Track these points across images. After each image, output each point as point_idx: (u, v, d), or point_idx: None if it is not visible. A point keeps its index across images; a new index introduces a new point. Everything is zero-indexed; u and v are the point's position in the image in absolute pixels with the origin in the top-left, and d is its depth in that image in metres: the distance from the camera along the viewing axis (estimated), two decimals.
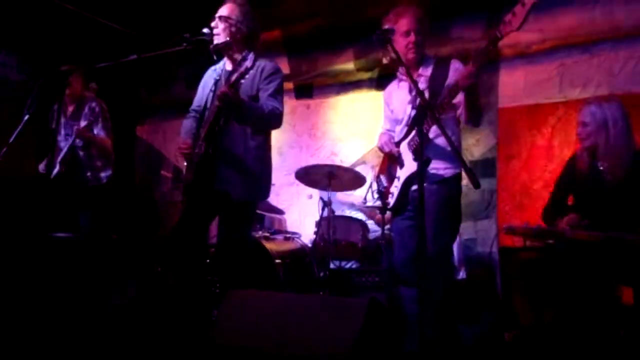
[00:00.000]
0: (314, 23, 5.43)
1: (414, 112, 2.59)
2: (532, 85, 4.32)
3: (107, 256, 3.83)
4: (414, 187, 2.56)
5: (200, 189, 2.74)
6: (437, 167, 2.54)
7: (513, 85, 4.40)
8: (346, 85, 5.33)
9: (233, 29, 2.79)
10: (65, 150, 3.94)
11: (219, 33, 2.78)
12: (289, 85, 5.51)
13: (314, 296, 3.16)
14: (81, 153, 4.02)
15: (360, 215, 4.27)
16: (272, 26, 5.50)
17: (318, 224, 4.03)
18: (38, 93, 2.96)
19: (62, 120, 4.13)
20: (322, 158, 5.33)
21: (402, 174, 2.63)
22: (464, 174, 2.25)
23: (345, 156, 5.22)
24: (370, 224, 4.26)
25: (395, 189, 2.67)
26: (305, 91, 5.58)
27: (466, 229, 4.41)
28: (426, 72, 2.65)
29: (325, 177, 3.91)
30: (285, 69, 5.51)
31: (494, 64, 4.44)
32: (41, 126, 4.56)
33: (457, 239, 3.99)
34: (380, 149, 2.77)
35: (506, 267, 3.54)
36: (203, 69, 3.08)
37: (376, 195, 2.92)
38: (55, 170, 3.94)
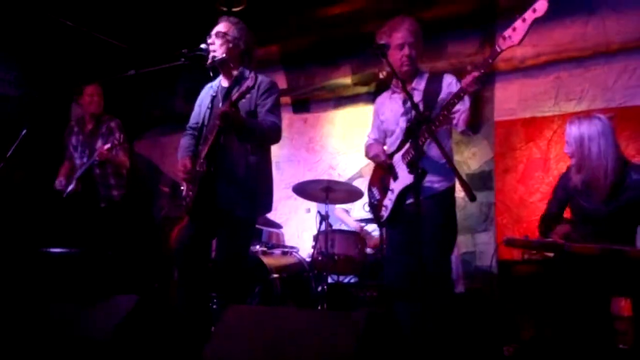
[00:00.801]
0: (310, 38, 5.48)
1: (407, 125, 2.59)
2: (527, 99, 4.36)
3: (102, 272, 3.81)
4: (409, 201, 2.55)
5: (202, 208, 2.74)
6: (432, 180, 2.53)
7: (509, 99, 4.44)
8: (343, 99, 5.37)
9: (230, 44, 2.81)
10: (83, 168, 3.98)
11: (216, 49, 2.80)
12: (286, 99, 5.54)
13: (311, 311, 3.15)
14: (97, 170, 4.05)
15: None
16: (270, 41, 5.56)
17: (316, 238, 4.02)
18: (36, 109, 2.97)
19: (80, 137, 4.18)
20: (319, 172, 5.35)
21: (396, 186, 2.61)
22: (458, 186, 2.25)
23: (342, 170, 5.23)
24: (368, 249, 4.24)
25: (389, 201, 2.65)
26: (302, 105, 5.61)
27: (464, 242, 4.41)
28: (419, 85, 2.66)
29: (323, 191, 3.91)
30: (283, 83, 5.55)
31: (490, 77, 4.48)
32: (42, 141, 4.59)
33: (456, 252, 3.99)
34: (374, 158, 2.75)
35: (505, 281, 3.53)
36: (201, 84, 3.10)
37: (367, 208, 2.90)
38: (71, 187, 3.97)
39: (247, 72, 2.60)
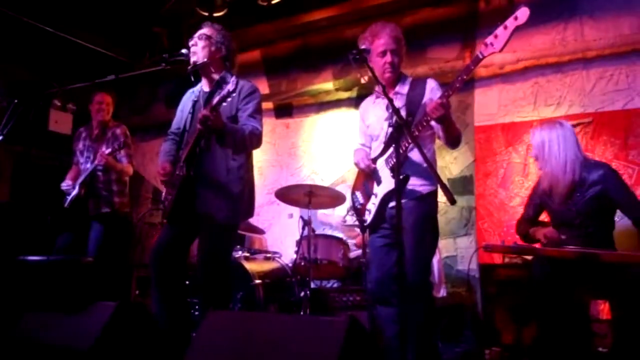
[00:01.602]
0: (292, 44, 5.50)
1: (390, 130, 2.60)
2: (507, 104, 4.42)
3: (81, 279, 3.76)
4: (392, 204, 2.56)
5: (181, 211, 2.72)
6: (414, 183, 2.55)
7: (489, 104, 4.50)
8: (325, 104, 5.38)
9: (213, 48, 2.81)
10: (86, 173, 4.00)
11: (198, 52, 2.79)
12: (268, 104, 5.54)
13: (293, 316, 3.14)
14: (100, 175, 4.07)
15: (340, 235, 4.26)
16: (252, 47, 5.56)
17: (299, 243, 4.01)
18: (13, 115, 2.93)
19: (87, 143, 4.22)
20: (302, 177, 5.35)
21: (380, 190, 2.62)
22: (441, 191, 2.27)
23: (325, 175, 5.24)
24: (351, 243, 4.25)
25: (372, 205, 2.65)
26: (285, 111, 5.62)
27: (446, 246, 4.44)
28: (403, 90, 2.67)
29: (306, 196, 3.91)
30: (265, 89, 5.55)
31: (470, 83, 4.53)
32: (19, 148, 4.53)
33: (437, 256, 4.02)
34: (357, 164, 2.76)
35: (486, 284, 3.56)
36: (182, 90, 3.08)
37: (351, 212, 2.91)
38: (74, 192, 4.01)
39: (228, 77, 2.58)
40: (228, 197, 2.67)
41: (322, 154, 5.33)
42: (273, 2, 4.63)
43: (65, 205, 4.06)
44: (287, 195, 4.09)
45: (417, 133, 2.42)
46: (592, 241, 2.64)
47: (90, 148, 4.16)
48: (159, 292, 2.72)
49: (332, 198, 4.08)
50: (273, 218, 5.42)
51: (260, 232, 4.91)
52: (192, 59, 2.79)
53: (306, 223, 3.92)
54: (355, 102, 5.13)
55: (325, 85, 5.25)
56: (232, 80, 2.45)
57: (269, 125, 5.53)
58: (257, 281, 3.79)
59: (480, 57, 2.29)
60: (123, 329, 2.34)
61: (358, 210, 2.80)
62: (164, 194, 2.84)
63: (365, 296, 3.73)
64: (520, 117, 4.34)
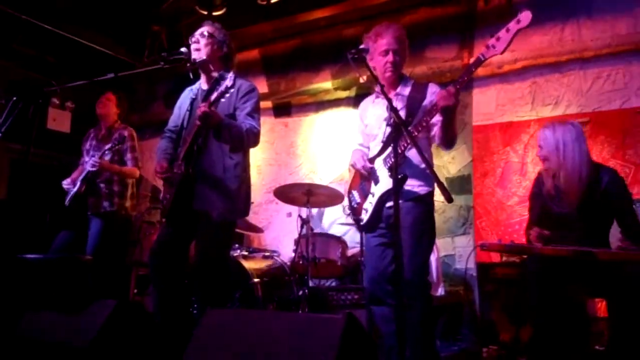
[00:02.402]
0: (291, 43, 5.50)
1: (389, 130, 2.61)
2: (505, 104, 4.43)
3: (79, 278, 3.77)
4: (389, 204, 2.56)
5: (180, 210, 2.72)
6: (412, 184, 2.55)
7: (486, 104, 4.51)
8: (324, 103, 5.39)
9: (215, 46, 2.82)
10: (85, 172, 4.00)
11: (200, 48, 2.80)
12: (267, 104, 5.55)
13: (291, 314, 3.14)
14: (103, 174, 4.07)
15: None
16: (250, 46, 5.56)
17: (297, 242, 4.02)
18: (11, 112, 2.93)
19: (93, 142, 4.24)
20: (301, 176, 5.36)
21: (377, 190, 2.62)
22: (438, 190, 2.29)
23: (324, 174, 5.25)
24: (350, 242, 4.26)
25: (369, 205, 2.65)
26: (283, 110, 5.62)
27: (444, 245, 4.46)
28: (404, 91, 2.68)
29: (304, 195, 3.92)
30: (264, 88, 5.55)
31: (468, 83, 4.52)
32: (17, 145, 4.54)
33: (436, 255, 4.03)
34: (353, 166, 2.76)
35: (484, 283, 3.57)
36: (181, 88, 3.09)
37: (348, 211, 2.91)
38: (75, 189, 4.01)
39: (226, 75, 2.59)
40: (224, 195, 2.68)
41: (320, 153, 5.34)
42: (272, 1, 4.64)
43: (66, 203, 4.06)
44: (285, 194, 4.10)
45: (415, 134, 2.44)
46: (591, 242, 2.65)
47: (96, 148, 4.16)
48: (158, 290, 2.72)
49: (331, 197, 4.09)
50: (271, 217, 5.43)
51: (259, 230, 4.92)
52: (193, 55, 2.79)
53: (305, 222, 3.93)
54: (354, 101, 5.14)
55: (324, 84, 5.26)
56: (230, 76, 2.46)
57: (268, 124, 5.54)
58: (256, 280, 3.80)
59: (482, 59, 2.32)
60: (121, 327, 2.35)
61: (354, 209, 2.80)
62: (162, 192, 2.84)
63: (363, 294, 3.74)
64: (518, 117, 4.36)
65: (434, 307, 2.59)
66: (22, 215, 4.91)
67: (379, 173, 2.64)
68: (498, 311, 3.37)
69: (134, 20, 5.40)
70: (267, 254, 4.32)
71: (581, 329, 2.82)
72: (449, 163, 4.60)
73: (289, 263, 4.14)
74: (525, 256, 3.31)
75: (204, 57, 2.79)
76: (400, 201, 2.36)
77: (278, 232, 5.32)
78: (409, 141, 2.39)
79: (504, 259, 3.64)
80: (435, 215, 2.69)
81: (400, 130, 2.27)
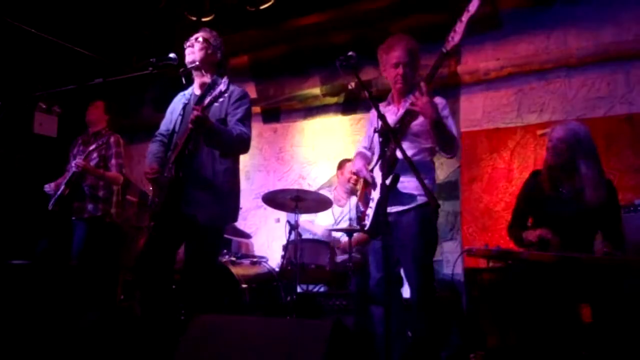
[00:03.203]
0: (280, 49, 5.52)
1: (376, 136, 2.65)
2: (491, 111, 4.48)
3: (65, 284, 3.73)
4: (389, 210, 2.60)
5: (169, 215, 2.71)
6: (413, 192, 2.62)
7: (473, 111, 4.56)
8: (313, 109, 5.41)
9: (209, 51, 2.83)
10: (69, 174, 4.00)
11: (195, 52, 2.81)
12: (256, 109, 5.55)
13: (278, 319, 3.14)
14: (88, 180, 4.07)
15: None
16: (240, 51, 5.57)
17: (285, 248, 4.02)
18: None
19: (80, 148, 4.25)
20: (289, 181, 5.36)
21: (377, 195, 2.67)
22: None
23: (312, 179, 5.26)
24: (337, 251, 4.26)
25: (370, 210, 2.71)
26: (272, 115, 5.63)
27: None
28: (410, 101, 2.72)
29: (292, 201, 3.92)
30: (253, 93, 5.56)
31: (455, 90, 4.59)
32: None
33: None
34: (357, 172, 2.80)
35: (471, 289, 3.59)
36: (170, 92, 3.09)
37: (354, 222, 2.94)
38: (59, 192, 4.01)
39: (220, 80, 2.60)
40: (213, 200, 2.68)
41: (309, 159, 5.35)
42: (261, 7, 4.66)
43: (50, 206, 4.03)
44: (274, 199, 4.10)
45: (399, 136, 2.53)
46: (578, 246, 2.69)
47: (82, 152, 4.15)
48: (145, 296, 2.71)
49: (319, 202, 4.09)
50: (260, 222, 5.42)
51: (247, 236, 4.91)
52: (188, 59, 2.81)
53: (293, 227, 3.93)
54: (342, 107, 5.17)
55: (313, 90, 5.28)
56: (224, 81, 2.47)
57: (257, 130, 5.54)
58: (244, 286, 3.79)
59: (444, 52, 2.48)
60: (109, 334, 2.34)
61: (359, 218, 2.88)
62: (151, 196, 2.83)
63: (351, 300, 3.75)
64: (504, 124, 4.41)
65: (440, 319, 2.66)
66: (6, 220, 4.85)
67: (377, 179, 2.69)
68: (485, 316, 3.39)
69: (123, 25, 5.38)
70: (255, 259, 4.31)
71: (568, 334, 2.85)
72: (437, 169, 4.60)
73: (277, 269, 4.14)
74: (510, 262, 3.34)
75: (198, 62, 2.80)
76: (403, 208, 2.55)
77: (266, 238, 5.32)
78: (394, 144, 2.44)
79: (491, 264, 3.66)
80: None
81: (388, 137, 2.32)
